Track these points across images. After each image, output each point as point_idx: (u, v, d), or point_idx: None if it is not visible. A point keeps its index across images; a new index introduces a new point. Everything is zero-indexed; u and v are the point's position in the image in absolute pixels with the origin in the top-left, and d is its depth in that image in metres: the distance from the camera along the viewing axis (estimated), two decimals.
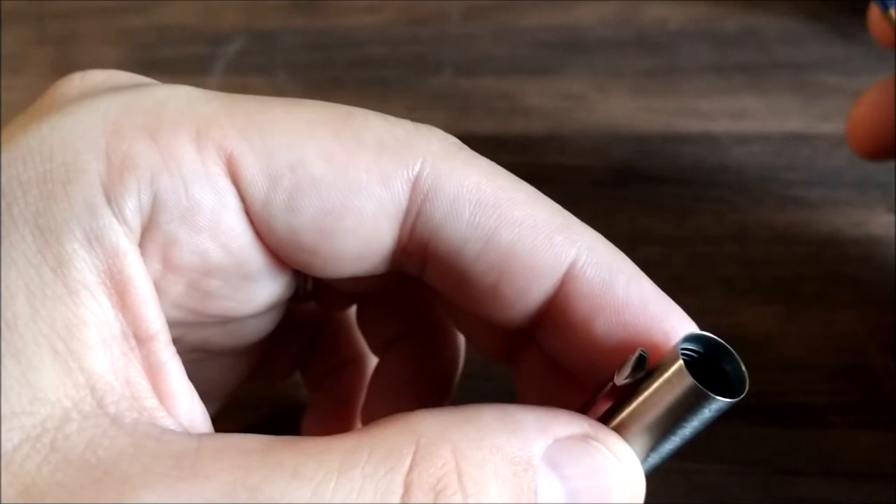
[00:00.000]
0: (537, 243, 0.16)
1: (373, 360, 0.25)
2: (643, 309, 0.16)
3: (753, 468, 0.26)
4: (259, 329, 0.20)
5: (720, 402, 0.15)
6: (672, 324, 0.16)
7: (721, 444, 0.27)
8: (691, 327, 0.17)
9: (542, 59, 0.39)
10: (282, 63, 0.40)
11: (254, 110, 0.16)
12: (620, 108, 0.37)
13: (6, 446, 0.13)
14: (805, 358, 0.29)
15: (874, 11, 0.27)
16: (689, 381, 0.15)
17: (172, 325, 0.16)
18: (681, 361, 0.15)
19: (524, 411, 0.15)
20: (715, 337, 0.16)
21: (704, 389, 0.15)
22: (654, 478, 0.27)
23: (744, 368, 0.16)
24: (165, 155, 0.15)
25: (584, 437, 0.16)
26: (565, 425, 0.16)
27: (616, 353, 0.16)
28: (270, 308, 0.18)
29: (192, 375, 0.16)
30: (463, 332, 0.22)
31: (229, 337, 0.19)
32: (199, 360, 0.19)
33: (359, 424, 0.25)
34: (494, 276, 0.16)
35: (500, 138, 0.36)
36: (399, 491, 0.14)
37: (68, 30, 0.42)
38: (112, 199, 0.15)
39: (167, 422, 0.15)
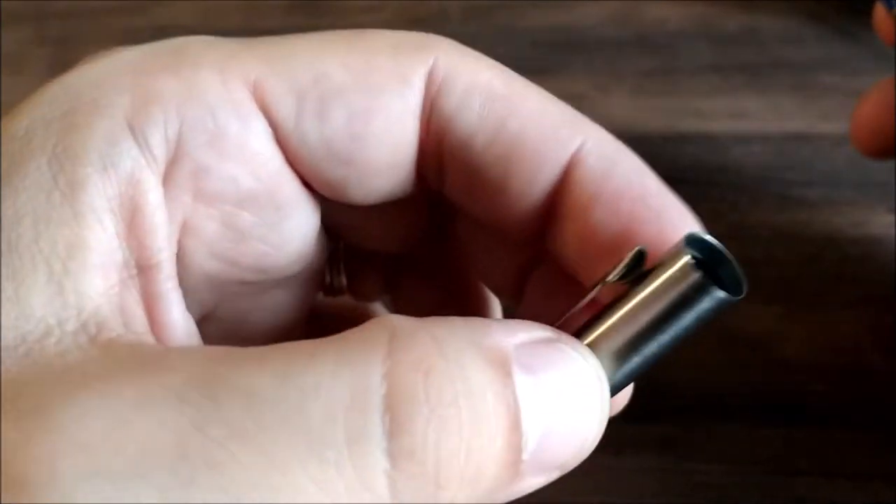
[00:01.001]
0: (543, 132, 0.17)
1: None
2: (641, 199, 0.16)
3: (753, 468, 0.27)
4: (290, 307, 0.20)
5: (722, 298, 0.15)
6: (670, 216, 0.16)
7: (721, 444, 0.27)
8: (690, 223, 0.16)
9: (542, 59, 0.39)
10: None
11: (271, 41, 0.17)
12: (620, 108, 0.37)
13: None
14: (805, 358, 0.29)
15: (879, 10, 0.27)
16: (695, 275, 0.15)
17: (210, 285, 0.17)
18: (688, 257, 0.15)
19: (491, 320, 0.15)
20: (714, 241, 0.16)
21: (711, 282, 0.15)
22: (654, 477, 0.27)
23: (741, 275, 0.15)
24: (191, 85, 0.16)
25: (550, 341, 0.15)
26: (531, 330, 0.15)
27: (613, 246, 0.16)
28: (303, 261, 0.18)
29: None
30: (479, 268, 0.21)
31: (264, 314, 0.19)
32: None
33: None
34: (503, 167, 0.17)
35: None
36: (380, 370, 0.12)
37: (68, 30, 0.42)
38: (136, 128, 0.15)
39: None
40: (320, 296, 0.22)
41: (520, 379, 0.13)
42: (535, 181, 0.17)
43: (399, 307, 0.23)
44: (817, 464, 0.26)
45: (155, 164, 0.15)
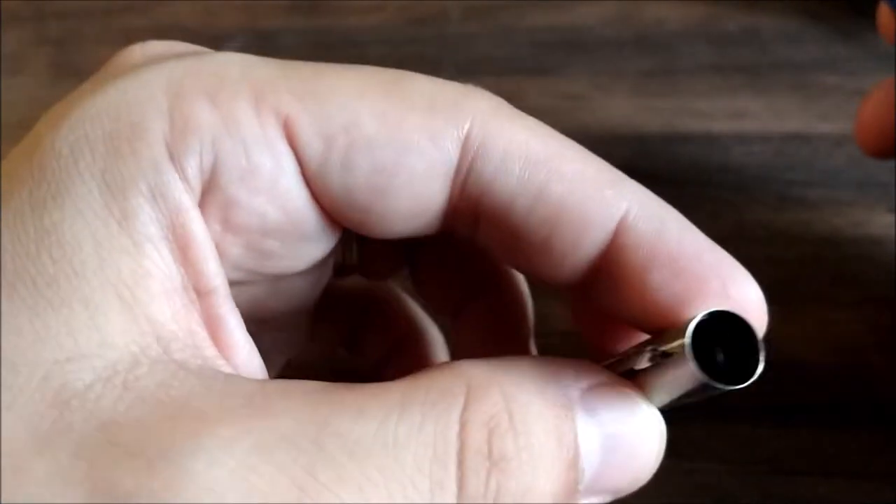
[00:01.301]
0: (588, 196, 0.16)
1: (433, 331, 0.25)
2: (697, 257, 0.16)
3: (753, 468, 0.27)
4: (307, 292, 0.20)
5: (719, 388, 0.15)
6: (725, 271, 0.16)
7: (720, 443, 0.27)
8: (743, 273, 0.17)
9: (542, 59, 0.39)
10: None
11: (308, 74, 0.17)
12: (620, 108, 0.37)
13: (77, 385, 0.14)
14: (804, 358, 0.29)
15: (883, 11, 0.27)
16: (697, 375, 0.15)
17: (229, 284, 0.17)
18: (685, 342, 0.15)
19: (560, 361, 0.16)
20: (737, 313, 0.15)
21: (704, 376, 0.15)
22: (654, 478, 0.27)
23: (761, 350, 0.15)
24: (226, 117, 0.16)
25: (615, 386, 0.16)
26: (598, 374, 0.16)
27: (671, 305, 0.16)
28: (320, 263, 0.19)
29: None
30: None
31: (279, 300, 0.19)
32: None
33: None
34: (546, 231, 0.17)
35: None
36: (455, 427, 0.14)
37: (68, 30, 0.42)
38: (175, 157, 0.15)
39: (224, 366, 0.15)
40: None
41: (581, 421, 0.16)
42: (581, 246, 0.17)
43: (418, 286, 0.24)
44: (817, 463, 0.26)
45: (193, 193, 0.16)
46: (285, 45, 0.41)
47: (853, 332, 0.29)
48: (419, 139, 0.16)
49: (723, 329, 0.15)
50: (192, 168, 0.15)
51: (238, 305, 0.18)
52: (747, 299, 0.16)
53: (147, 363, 0.14)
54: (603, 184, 0.17)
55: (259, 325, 0.19)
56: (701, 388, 0.15)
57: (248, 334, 0.17)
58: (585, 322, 0.20)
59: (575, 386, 0.16)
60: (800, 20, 0.40)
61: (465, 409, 0.15)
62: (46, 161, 0.15)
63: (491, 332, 0.23)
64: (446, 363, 0.16)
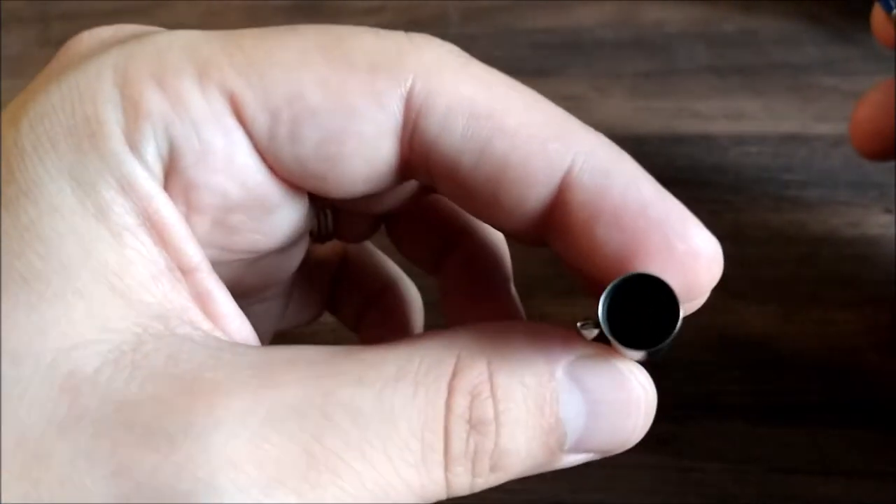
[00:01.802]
0: (531, 152, 0.16)
1: (408, 287, 0.25)
2: (641, 212, 0.16)
3: (750, 467, 0.27)
4: (285, 265, 0.20)
5: (634, 352, 0.16)
6: (672, 223, 0.16)
7: (718, 442, 0.27)
8: (692, 226, 0.16)
9: (541, 60, 0.39)
10: None
11: (249, 45, 0.16)
12: (619, 110, 0.37)
13: (86, 369, 0.14)
14: (802, 358, 0.29)
15: (877, 13, 0.27)
16: (629, 353, 0.16)
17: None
18: (599, 312, 0.15)
19: (551, 331, 0.17)
20: (629, 274, 0.15)
21: (618, 343, 0.15)
22: (651, 476, 0.27)
23: (677, 301, 0.15)
24: (174, 100, 0.16)
25: (601, 355, 0.17)
26: (586, 345, 0.17)
27: (620, 258, 0.16)
28: (294, 238, 0.19)
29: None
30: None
31: (258, 276, 0.20)
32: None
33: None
34: (492, 187, 0.17)
35: None
36: (444, 395, 0.16)
37: (71, 32, 0.42)
38: (133, 146, 0.16)
39: (222, 336, 0.16)
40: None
41: (565, 389, 0.16)
42: (526, 201, 0.17)
43: (397, 244, 0.24)
44: (814, 463, 0.27)
45: (157, 178, 0.16)
46: None
47: (851, 331, 0.29)
48: (364, 103, 0.16)
49: (649, 290, 0.15)
50: (151, 155, 0.16)
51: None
52: (693, 250, 0.16)
53: (151, 341, 0.15)
54: (547, 137, 0.16)
55: (239, 299, 0.19)
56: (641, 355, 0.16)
57: (236, 304, 0.17)
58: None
59: (562, 356, 0.16)
60: (797, 22, 0.40)
61: (452, 377, 0.16)
62: (12, 159, 0.15)
63: (471, 280, 0.23)
64: (441, 331, 0.17)
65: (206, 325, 0.16)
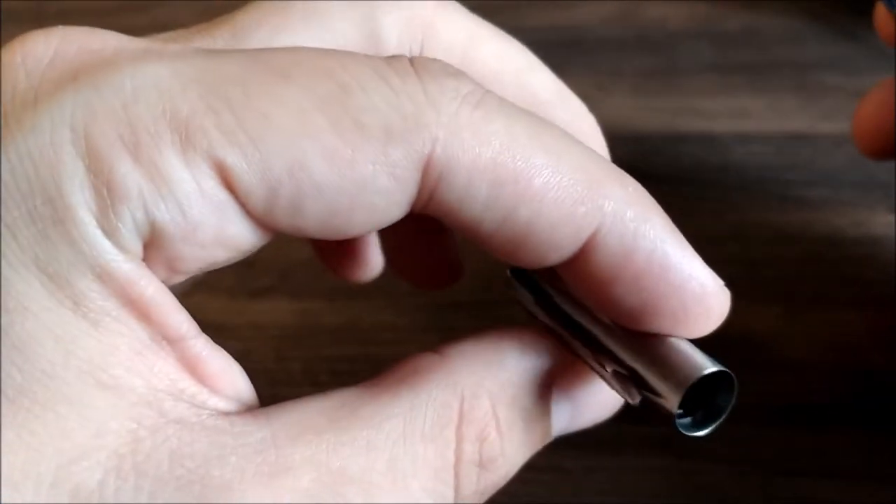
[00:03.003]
0: (558, 218, 0.16)
1: None
2: (662, 276, 0.16)
3: (753, 468, 0.26)
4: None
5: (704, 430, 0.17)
6: (690, 291, 0.16)
7: (721, 444, 0.27)
8: (711, 296, 0.16)
9: (542, 58, 0.39)
10: None
11: (236, 99, 0.14)
12: (621, 108, 0.37)
13: (91, 483, 0.13)
14: (806, 358, 0.29)
15: (880, 10, 0.27)
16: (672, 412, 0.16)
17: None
18: (672, 409, 0.16)
19: (540, 340, 0.17)
20: (724, 370, 0.16)
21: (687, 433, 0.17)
22: (654, 477, 0.27)
23: (727, 407, 0.17)
24: (153, 175, 0.14)
25: (589, 373, 0.18)
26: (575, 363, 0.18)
27: (631, 317, 0.17)
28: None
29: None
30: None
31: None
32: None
33: (373, 234, 0.24)
34: (513, 247, 0.16)
35: None
36: (452, 445, 0.16)
37: None
38: (108, 231, 0.14)
39: (220, 404, 0.15)
40: None
41: (556, 406, 0.18)
42: (547, 259, 0.16)
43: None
44: (817, 464, 0.26)
45: (137, 259, 0.15)
46: None
47: (853, 331, 0.29)
48: (375, 175, 0.15)
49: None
50: (129, 237, 0.14)
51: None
52: (707, 311, 0.16)
53: (149, 437, 0.14)
54: (575, 200, 0.15)
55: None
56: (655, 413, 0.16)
57: (224, 355, 0.16)
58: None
59: (554, 368, 0.17)
60: (801, 20, 0.40)
61: (459, 425, 0.16)
62: None
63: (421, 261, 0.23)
64: (436, 361, 0.17)
65: (201, 396, 0.15)
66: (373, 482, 0.15)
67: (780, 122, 0.36)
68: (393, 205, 0.15)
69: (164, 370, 0.15)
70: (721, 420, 0.17)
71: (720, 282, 0.17)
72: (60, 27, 0.17)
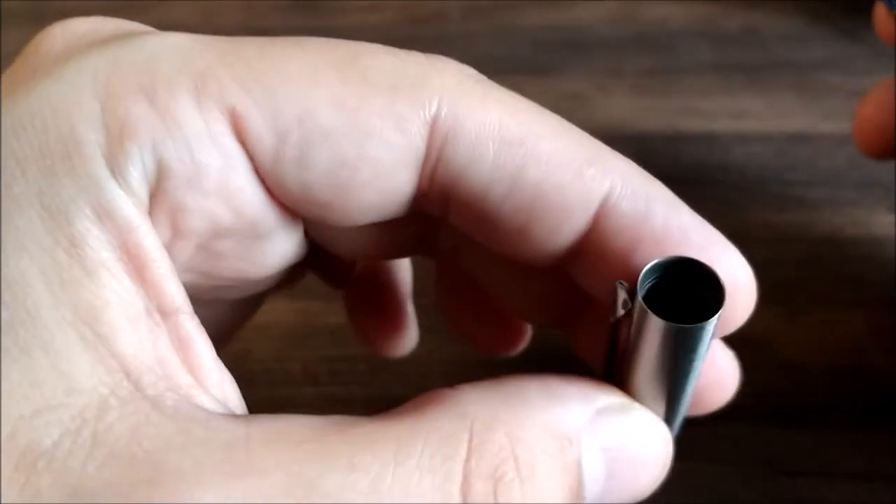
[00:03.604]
0: (566, 180, 0.15)
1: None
2: (683, 238, 0.15)
3: (753, 469, 0.26)
4: (272, 280, 0.19)
5: (703, 327, 0.14)
6: (713, 251, 0.16)
7: (721, 444, 0.27)
8: (733, 252, 0.16)
9: (542, 58, 0.39)
10: None
11: (253, 57, 0.15)
12: (621, 108, 0.37)
13: (45, 442, 0.12)
14: (806, 358, 0.29)
15: (880, 10, 0.27)
16: (660, 323, 0.14)
17: (184, 287, 0.16)
18: (641, 306, 0.14)
19: (567, 384, 0.15)
20: (672, 257, 0.15)
21: (678, 325, 0.14)
22: None
23: (716, 273, 0.15)
24: (166, 117, 0.14)
25: (623, 407, 0.16)
26: (605, 394, 0.16)
27: None
28: (283, 267, 0.18)
29: (207, 325, 0.16)
30: (500, 294, 0.20)
31: (242, 292, 0.19)
32: (211, 311, 0.18)
33: (409, 307, 0.24)
34: (523, 217, 0.16)
35: None
36: (458, 480, 0.13)
37: None
38: (116, 170, 0.14)
39: (203, 399, 0.14)
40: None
41: (587, 448, 0.15)
42: (561, 230, 0.16)
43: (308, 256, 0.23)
44: (818, 464, 0.26)
45: (141, 205, 0.14)
46: None
47: (853, 332, 0.29)
48: (382, 127, 0.15)
49: (684, 280, 0.15)
50: (136, 178, 0.14)
51: (196, 299, 0.17)
52: (734, 277, 0.16)
53: (117, 406, 0.13)
54: (582, 163, 0.15)
55: (218, 305, 0.18)
56: (671, 337, 0.14)
57: (215, 355, 0.15)
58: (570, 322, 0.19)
59: (582, 412, 0.15)
60: (801, 20, 0.40)
61: (467, 458, 0.14)
62: None
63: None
64: (446, 393, 0.15)
65: (183, 379, 0.14)
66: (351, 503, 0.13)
67: (780, 122, 0.36)
68: (399, 164, 0.15)
69: (152, 347, 0.14)
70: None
71: (740, 255, 0.16)
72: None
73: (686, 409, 0.17)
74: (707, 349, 0.15)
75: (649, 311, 0.14)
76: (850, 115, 0.29)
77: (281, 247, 0.17)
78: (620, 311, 0.15)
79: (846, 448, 0.27)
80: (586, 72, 0.38)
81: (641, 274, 0.15)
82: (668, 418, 0.16)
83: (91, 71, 0.14)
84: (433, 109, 0.15)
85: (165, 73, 0.14)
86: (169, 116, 0.14)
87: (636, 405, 0.16)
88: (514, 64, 0.39)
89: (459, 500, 0.13)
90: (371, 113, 0.15)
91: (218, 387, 0.15)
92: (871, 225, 0.32)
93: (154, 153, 0.14)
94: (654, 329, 0.14)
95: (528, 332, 0.22)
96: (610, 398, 0.16)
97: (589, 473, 0.15)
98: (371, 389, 0.26)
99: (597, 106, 0.37)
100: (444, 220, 0.17)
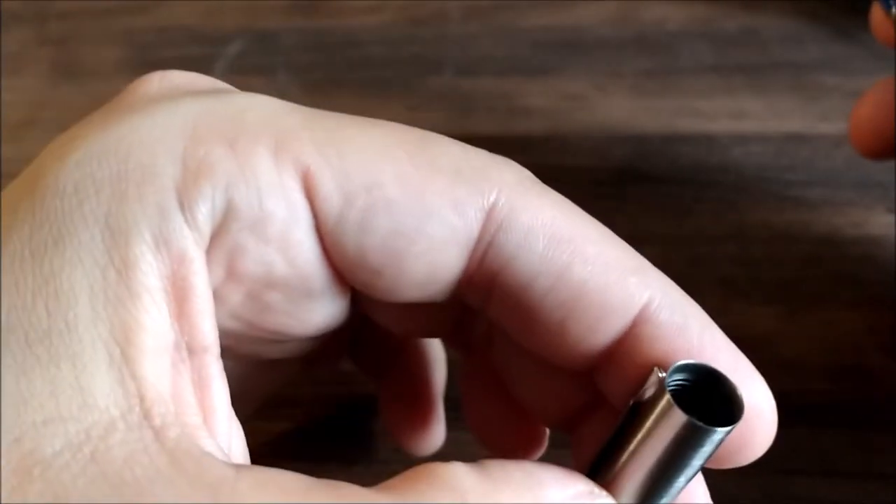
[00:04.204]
0: (611, 282, 0.16)
1: (433, 347, 0.25)
2: (714, 357, 0.16)
3: (752, 468, 0.26)
4: (310, 346, 0.20)
5: (717, 433, 0.15)
6: (742, 374, 0.16)
7: None
8: (758, 381, 0.16)
9: (541, 59, 0.39)
10: (282, 63, 0.40)
11: (332, 127, 0.16)
12: (620, 109, 0.37)
13: (47, 451, 0.13)
14: (804, 358, 0.29)
15: (876, 11, 0.27)
16: (681, 417, 0.15)
17: (226, 334, 0.16)
18: (668, 396, 0.15)
19: (543, 469, 0.16)
20: (704, 364, 0.16)
21: (697, 422, 0.15)
22: None
23: (738, 392, 0.15)
24: (243, 163, 0.15)
25: (593, 494, 0.16)
26: (577, 484, 0.16)
27: None
28: (325, 331, 0.18)
29: (237, 380, 0.16)
30: (523, 393, 0.20)
31: (280, 351, 0.19)
32: (245, 368, 0.19)
33: (440, 407, 0.24)
34: (563, 313, 0.16)
35: (499, 139, 0.36)
36: None
37: (69, 30, 0.42)
38: (185, 203, 0.15)
39: (207, 443, 0.14)
40: None
41: None
42: (598, 332, 0.16)
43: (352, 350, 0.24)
44: (817, 464, 0.26)
45: (202, 241, 0.15)
46: (285, 45, 0.41)
47: (853, 332, 0.29)
48: (442, 206, 0.16)
49: (704, 391, 0.16)
50: (203, 214, 0.15)
51: (234, 352, 0.17)
52: (758, 406, 0.16)
53: (123, 430, 0.13)
54: (627, 270, 0.16)
55: (254, 365, 0.19)
56: (684, 432, 0.15)
57: (230, 405, 0.16)
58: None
59: (560, 494, 0.16)
60: (800, 20, 0.40)
61: None
62: (49, 200, 0.14)
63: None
64: (436, 468, 0.15)
65: (193, 418, 0.14)
66: None
67: (779, 122, 0.36)
68: (452, 242, 0.16)
69: (173, 379, 0.14)
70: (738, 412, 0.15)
71: (765, 383, 0.16)
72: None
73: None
74: (705, 461, 0.16)
75: (674, 403, 0.15)
76: (848, 116, 0.29)
77: (326, 309, 0.17)
78: (647, 394, 0.16)
79: (845, 447, 0.27)
80: (586, 72, 0.38)
81: (672, 367, 0.15)
82: None
83: (182, 114, 0.15)
84: (491, 199, 0.16)
85: (250, 126, 0.15)
86: (245, 163, 0.15)
87: (604, 493, 0.16)
88: (514, 64, 0.39)
89: None
90: (433, 193, 0.16)
91: (225, 435, 0.15)
92: (869, 225, 0.32)
93: (226, 194, 0.15)
94: (672, 421, 0.15)
95: (546, 439, 0.22)
96: (580, 485, 0.16)
97: None
98: (371, 389, 0.26)
99: (596, 106, 0.37)
100: (482, 313, 0.18)
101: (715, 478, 0.26)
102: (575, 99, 0.37)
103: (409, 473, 0.15)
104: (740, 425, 0.15)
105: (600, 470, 0.17)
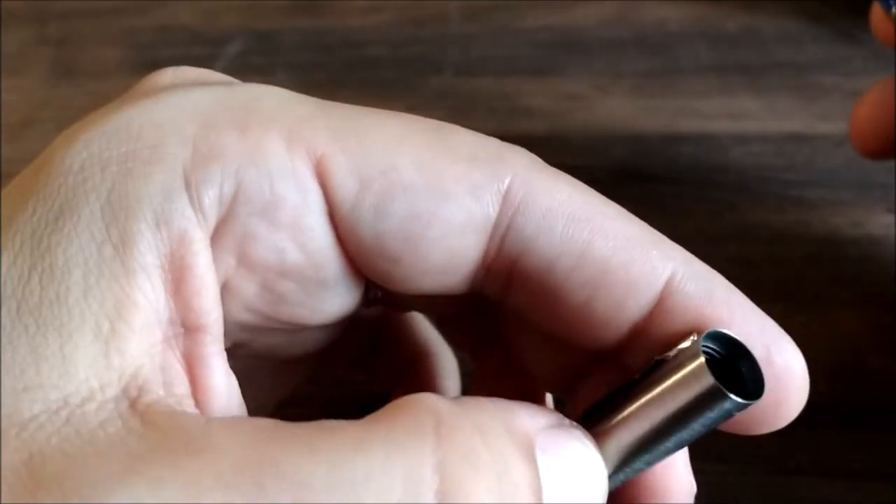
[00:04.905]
0: (634, 256, 0.16)
1: (445, 356, 0.25)
2: (745, 323, 0.16)
3: (752, 468, 0.27)
4: (325, 339, 0.20)
5: (736, 402, 0.15)
6: (770, 337, 0.16)
7: (720, 443, 0.27)
8: (788, 343, 0.16)
9: (541, 59, 0.39)
10: (282, 63, 0.40)
11: (346, 115, 0.16)
12: (620, 109, 0.37)
13: (24, 414, 0.13)
14: (805, 358, 0.29)
15: (876, 11, 0.27)
16: (709, 379, 0.15)
17: (241, 328, 0.16)
18: (702, 358, 0.15)
19: (514, 403, 0.16)
20: (735, 336, 0.16)
21: (723, 389, 0.15)
22: None
23: (762, 372, 0.15)
24: (253, 148, 0.15)
25: (563, 426, 0.16)
26: (548, 416, 0.16)
27: None
28: (340, 320, 0.18)
29: (250, 380, 0.16)
30: (530, 362, 0.20)
31: (295, 346, 0.19)
32: (258, 366, 0.19)
33: None
34: (588, 292, 0.16)
35: (499, 139, 0.36)
36: (431, 461, 0.13)
37: (69, 30, 0.42)
38: (192, 185, 0.15)
39: (188, 408, 0.14)
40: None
41: (541, 461, 0.15)
42: (625, 308, 0.16)
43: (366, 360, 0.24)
44: (816, 463, 0.26)
45: (206, 224, 0.15)
46: (285, 45, 0.41)
47: (854, 332, 0.29)
48: (459, 190, 0.16)
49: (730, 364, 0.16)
50: (210, 198, 0.15)
51: (250, 349, 0.17)
52: (790, 366, 0.16)
53: (100, 399, 0.13)
54: (647, 243, 0.16)
55: (268, 362, 0.19)
56: (705, 395, 0.15)
57: (233, 379, 0.15)
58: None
59: (533, 426, 0.15)
60: (799, 21, 0.40)
61: (438, 444, 0.14)
62: (54, 177, 0.15)
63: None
64: (409, 396, 0.15)
65: (180, 389, 0.14)
66: (305, 483, 0.12)
67: (779, 122, 0.36)
68: (470, 227, 0.16)
69: (161, 353, 0.14)
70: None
71: (794, 344, 0.16)
72: None
73: (639, 471, 0.17)
74: (706, 430, 0.16)
75: (706, 366, 0.15)
76: (848, 116, 0.29)
77: (340, 299, 0.17)
78: (674, 355, 0.16)
79: (845, 447, 0.27)
80: (585, 73, 0.38)
81: (705, 333, 0.15)
82: (622, 463, 0.17)
83: (194, 100, 0.16)
84: (507, 182, 0.16)
85: (262, 113, 0.15)
86: (256, 148, 0.15)
87: (575, 424, 0.16)
88: (513, 64, 0.39)
89: (436, 483, 0.13)
90: (450, 176, 0.16)
91: (222, 411, 0.15)
92: (869, 225, 0.32)
93: (235, 177, 0.15)
94: (697, 382, 0.15)
95: None
96: (551, 417, 0.16)
97: (544, 483, 0.15)
98: (371, 390, 0.26)
99: (596, 106, 0.37)
100: (501, 304, 0.17)
101: (714, 477, 0.26)
102: (575, 99, 0.37)
103: (391, 405, 0.15)
104: (774, 387, 0.15)
105: (592, 421, 0.17)
